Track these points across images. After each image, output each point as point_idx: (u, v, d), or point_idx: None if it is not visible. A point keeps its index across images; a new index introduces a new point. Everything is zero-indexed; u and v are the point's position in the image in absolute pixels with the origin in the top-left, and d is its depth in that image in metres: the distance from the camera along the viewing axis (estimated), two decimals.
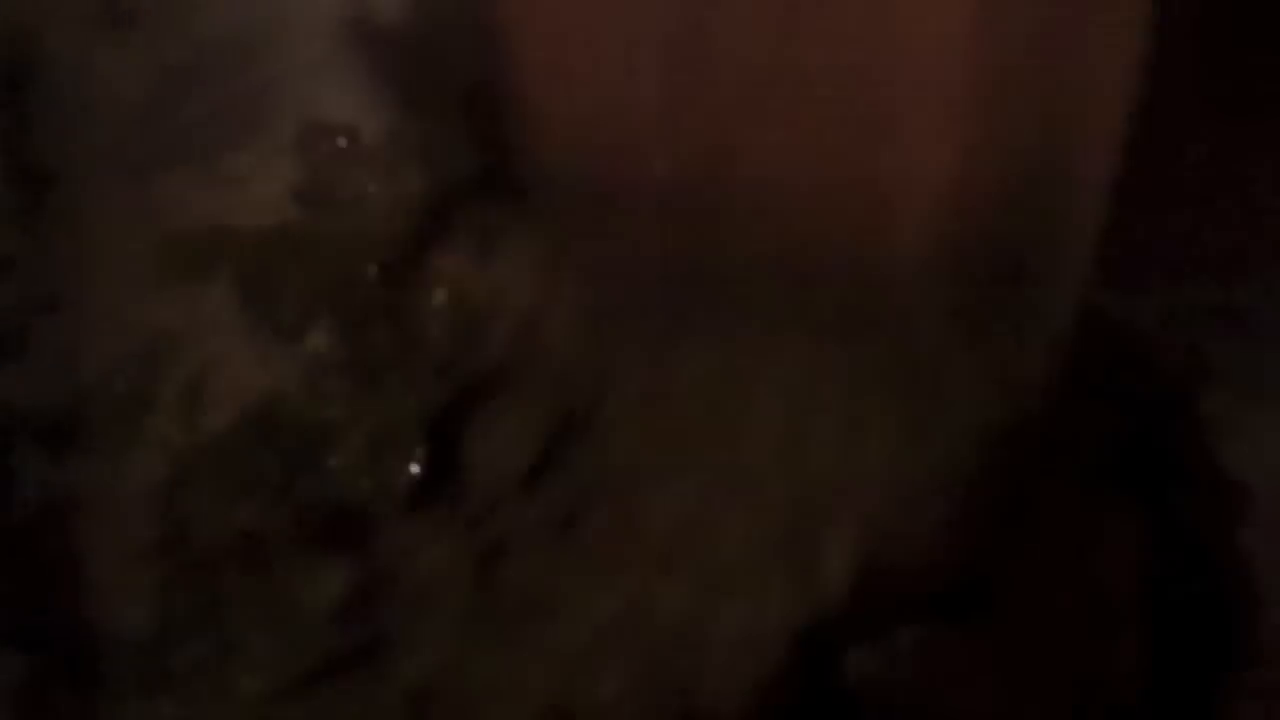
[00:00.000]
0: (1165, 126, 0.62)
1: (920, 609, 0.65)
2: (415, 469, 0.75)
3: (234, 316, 0.77)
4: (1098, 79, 0.59)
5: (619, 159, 0.60)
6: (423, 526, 0.73)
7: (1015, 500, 0.65)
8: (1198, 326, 0.73)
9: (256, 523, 0.74)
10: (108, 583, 0.73)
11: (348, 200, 0.78)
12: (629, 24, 0.58)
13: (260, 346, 0.77)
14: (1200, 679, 0.69)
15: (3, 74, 0.75)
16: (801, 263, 0.61)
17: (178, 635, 0.73)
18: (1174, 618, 0.69)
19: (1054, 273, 0.62)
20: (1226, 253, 0.73)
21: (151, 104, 0.77)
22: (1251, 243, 0.73)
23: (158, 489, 0.75)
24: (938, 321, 0.62)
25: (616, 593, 0.69)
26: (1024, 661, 0.65)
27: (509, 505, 0.71)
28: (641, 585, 0.68)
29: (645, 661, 0.68)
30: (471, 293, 0.76)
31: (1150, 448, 0.72)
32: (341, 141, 0.79)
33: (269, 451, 0.76)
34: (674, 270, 0.62)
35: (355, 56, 0.79)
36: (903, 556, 0.64)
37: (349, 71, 0.79)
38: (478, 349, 0.75)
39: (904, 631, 0.64)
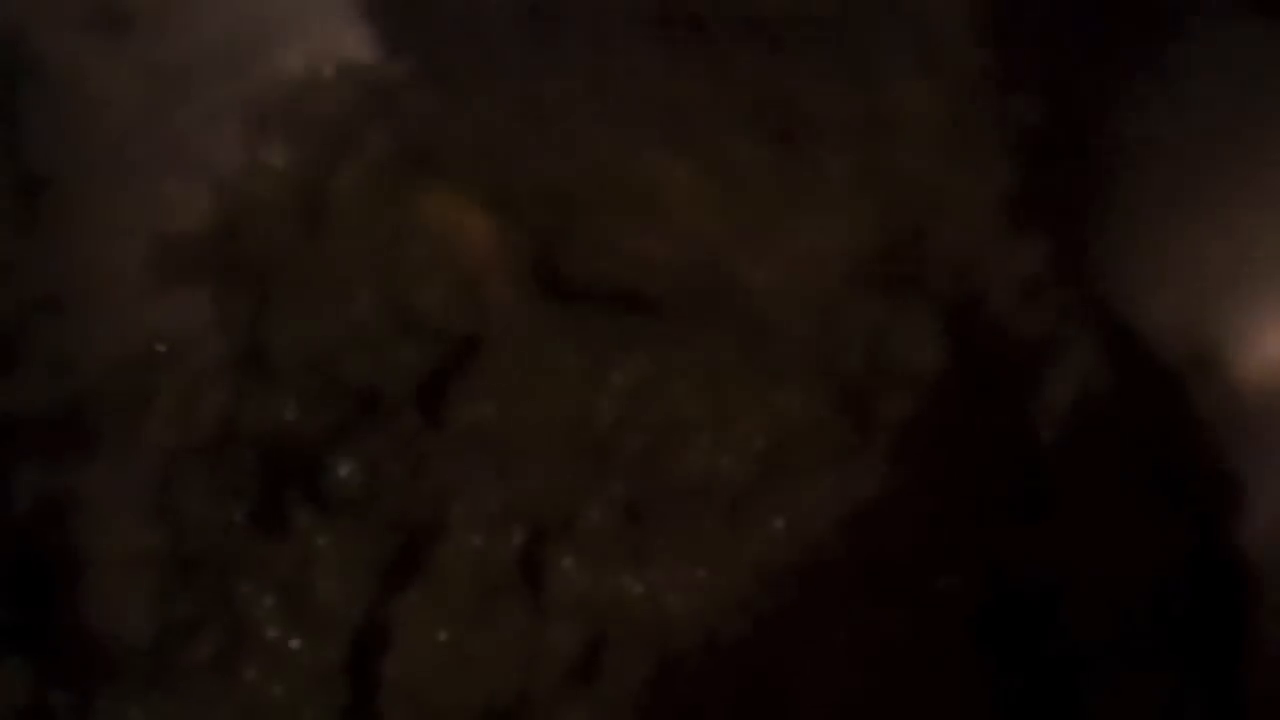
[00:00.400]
0: None
1: None
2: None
3: (230, 320, 0.77)
4: None
5: None
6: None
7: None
8: None
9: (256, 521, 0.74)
10: (107, 586, 0.73)
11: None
12: None
13: (256, 350, 0.77)
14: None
15: None
16: None
17: (178, 637, 0.73)
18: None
19: None
20: None
21: (147, 108, 0.77)
22: None
23: (155, 492, 0.75)
24: None
25: None
26: None
27: None
28: None
29: None
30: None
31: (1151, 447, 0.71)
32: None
33: (265, 453, 0.76)
34: None
35: None
36: None
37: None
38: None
39: None
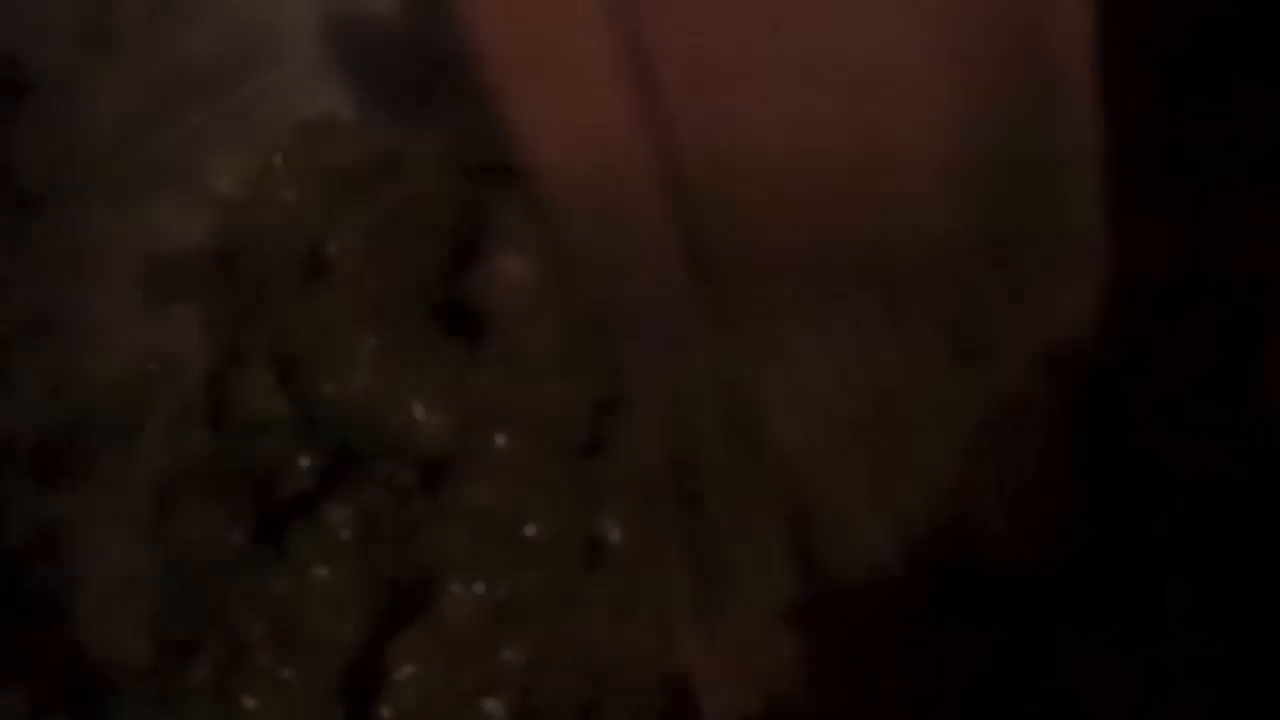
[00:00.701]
0: None
1: None
2: None
3: (222, 336, 0.77)
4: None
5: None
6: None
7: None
8: None
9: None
10: (103, 607, 0.73)
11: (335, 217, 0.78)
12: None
13: (252, 365, 0.77)
14: None
15: None
16: (819, 247, 0.60)
17: (174, 661, 0.72)
18: None
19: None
20: None
21: (137, 124, 0.77)
22: None
23: (151, 513, 0.74)
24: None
25: None
26: None
27: None
28: None
29: None
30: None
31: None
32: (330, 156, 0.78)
33: (262, 470, 0.75)
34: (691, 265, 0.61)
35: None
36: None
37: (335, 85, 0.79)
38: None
39: None
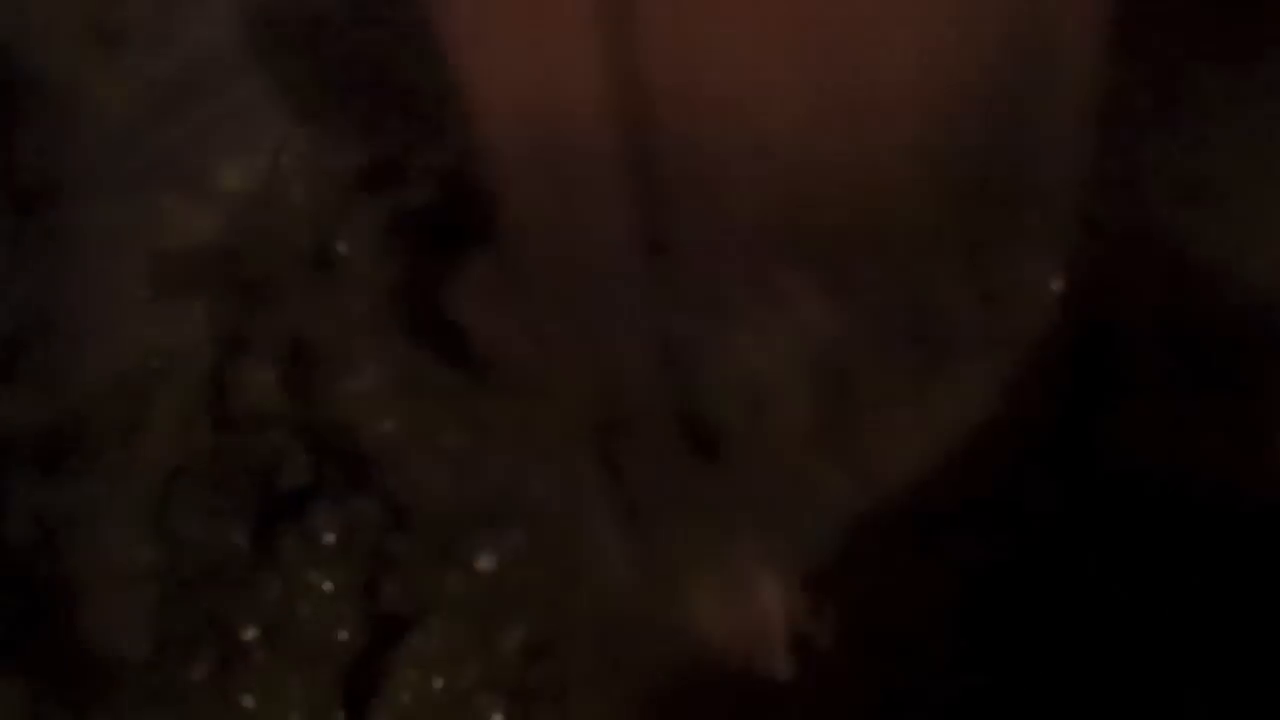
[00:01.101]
0: None
1: None
2: None
3: (226, 333, 0.77)
4: None
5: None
6: None
7: None
8: None
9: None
10: (104, 604, 0.73)
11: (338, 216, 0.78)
12: None
13: (255, 363, 0.77)
14: None
15: None
16: (782, 216, 0.57)
17: (175, 655, 0.72)
18: None
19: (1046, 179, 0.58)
20: None
21: (142, 122, 0.77)
22: None
23: (153, 509, 0.74)
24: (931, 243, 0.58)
25: None
26: None
27: None
28: None
29: None
30: None
31: None
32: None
33: (264, 468, 0.75)
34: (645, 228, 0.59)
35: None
36: None
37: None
38: None
39: None
